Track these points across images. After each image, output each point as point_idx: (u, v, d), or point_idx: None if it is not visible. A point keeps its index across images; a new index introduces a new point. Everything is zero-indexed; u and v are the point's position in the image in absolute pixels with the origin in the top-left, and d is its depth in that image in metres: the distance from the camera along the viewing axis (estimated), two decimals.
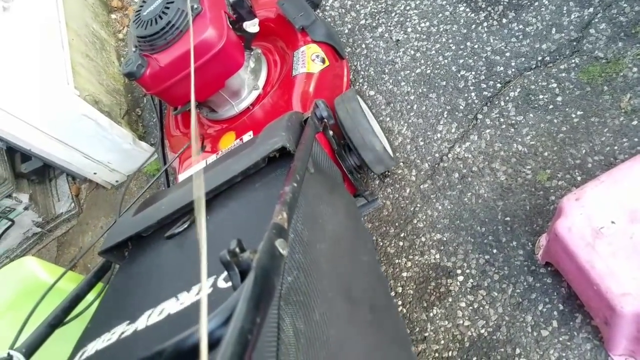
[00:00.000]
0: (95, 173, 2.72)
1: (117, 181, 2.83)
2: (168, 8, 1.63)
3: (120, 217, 1.59)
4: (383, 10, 2.28)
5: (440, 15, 2.11)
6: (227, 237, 1.08)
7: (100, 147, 2.58)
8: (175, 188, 1.55)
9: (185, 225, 1.24)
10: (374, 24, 2.26)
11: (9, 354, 1.02)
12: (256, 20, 1.81)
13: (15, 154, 2.77)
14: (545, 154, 1.69)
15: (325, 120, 1.47)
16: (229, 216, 1.20)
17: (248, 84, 1.93)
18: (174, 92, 1.76)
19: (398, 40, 2.16)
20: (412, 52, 2.10)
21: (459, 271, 1.67)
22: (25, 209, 2.73)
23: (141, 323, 0.99)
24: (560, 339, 1.44)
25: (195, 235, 1.21)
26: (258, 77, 1.96)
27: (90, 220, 2.85)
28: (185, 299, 0.97)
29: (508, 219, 1.66)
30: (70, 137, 2.47)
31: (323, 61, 1.91)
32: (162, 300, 1.02)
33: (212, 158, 1.82)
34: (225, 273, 0.79)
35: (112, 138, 2.55)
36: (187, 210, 1.28)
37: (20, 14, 2.32)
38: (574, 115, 1.71)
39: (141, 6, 1.72)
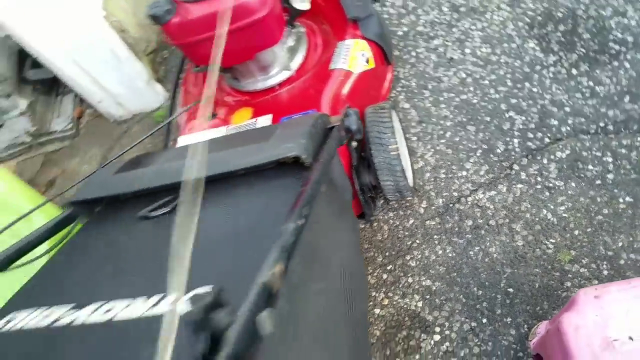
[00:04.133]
0: (100, 102, 2.58)
1: (121, 116, 2.69)
2: None
3: (101, 169, 1.43)
4: (446, 22, 2.08)
5: (506, 45, 1.90)
6: (212, 245, 0.97)
7: (112, 77, 2.43)
8: (168, 154, 1.38)
9: (166, 210, 1.09)
10: (432, 34, 2.06)
11: None
12: None
13: (27, 57, 2.65)
14: (576, 232, 1.48)
15: (353, 134, 1.30)
16: (220, 217, 1.05)
17: (280, 62, 1.74)
18: (199, 50, 1.57)
19: (452, 58, 1.96)
20: (464, 75, 1.90)
21: (437, 329, 1.48)
22: (22, 114, 2.61)
23: (83, 315, 0.88)
24: None
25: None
26: (293, 57, 1.76)
27: (83, 147, 2.72)
28: (139, 308, 0.84)
29: (511, 290, 1.46)
30: (83, 57, 2.32)
31: (367, 62, 1.72)
32: (115, 296, 0.90)
33: (221, 131, 1.64)
34: (193, 292, 0.65)
35: (126, 71, 2.41)
36: (172, 189, 1.11)
37: None
38: (621, 200, 1.49)
39: None
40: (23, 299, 1.02)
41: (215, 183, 1.11)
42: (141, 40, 2.62)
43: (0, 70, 2.44)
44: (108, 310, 0.86)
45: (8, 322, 0.97)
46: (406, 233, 1.67)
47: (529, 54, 1.84)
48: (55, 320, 0.90)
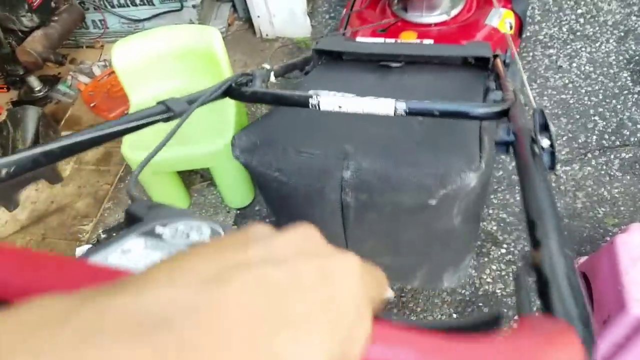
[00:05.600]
0: (258, 16, 3.14)
1: (267, 35, 3.25)
2: None
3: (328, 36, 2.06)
4: (562, 39, 2.65)
5: (605, 69, 2.48)
6: (428, 87, 1.49)
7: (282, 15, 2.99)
8: (370, 43, 1.99)
9: (399, 65, 1.59)
10: (549, 44, 2.64)
11: (265, 67, 1.36)
12: None
13: None
14: (622, 208, 2.08)
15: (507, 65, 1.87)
16: (427, 78, 1.55)
17: (443, 8, 2.39)
18: None
19: (561, 66, 2.54)
20: (567, 81, 2.48)
21: (504, 245, 2.08)
22: (194, 6, 3.17)
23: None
24: None
25: (405, 74, 1.55)
26: (454, 7, 2.41)
27: (229, 50, 3.28)
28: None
29: (566, 233, 2.05)
30: None
31: (510, 28, 2.31)
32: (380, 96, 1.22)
33: (391, 41, 2.14)
34: None
35: None
36: (397, 57, 1.61)
37: None
38: None
39: None
40: (312, 87, 1.40)
41: (418, 64, 1.61)
42: None
43: None
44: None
45: (316, 93, 1.23)
46: (495, 180, 2.26)
47: (621, 80, 2.42)
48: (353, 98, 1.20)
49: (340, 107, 1.04)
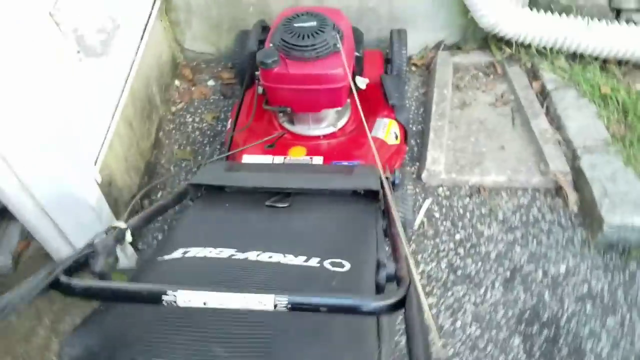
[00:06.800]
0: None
1: None
2: (318, 34, 2.00)
3: (209, 163, 2.15)
4: (442, 280, 2.22)
5: (494, 332, 2.06)
6: (318, 233, 1.36)
7: (85, 236, 2.26)
8: (253, 166, 1.99)
9: (286, 205, 1.47)
10: (428, 290, 2.19)
11: (117, 226, 1.19)
12: (367, 80, 2.33)
13: None
14: None
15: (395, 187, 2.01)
16: (316, 218, 1.44)
17: (330, 120, 2.35)
18: (281, 95, 2.13)
19: (443, 327, 2.08)
20: (451, 354, 2.02)
21: None
22: None
23: (252, 255, 1.14)
24: None
25: (293, 215, 1.44)
26: (340, 119, 2.37)
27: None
28: (294, 261, 1.13)
29: None
30: (60, 215, 2.13)
31: (396, 138, 2.32)
32: (265, 250, 1.18)
33: (279, 159, 2.17)
34: (331, 260, 1.11)
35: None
36: (283, 192, 1.53)
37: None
38: None
39: (296, 16, 2.09)
40: (185, 240, 1.27)
41: (306, 196, 1.53)
42: (125, 188, 2.51)
43: None
44: (270, 257, 1.12)
45: (185, 252, 1.16)
46: None
47: (513, 351, 2.00)
48: (232, 255, 1.13)
49: (205, 303, 0.85)
